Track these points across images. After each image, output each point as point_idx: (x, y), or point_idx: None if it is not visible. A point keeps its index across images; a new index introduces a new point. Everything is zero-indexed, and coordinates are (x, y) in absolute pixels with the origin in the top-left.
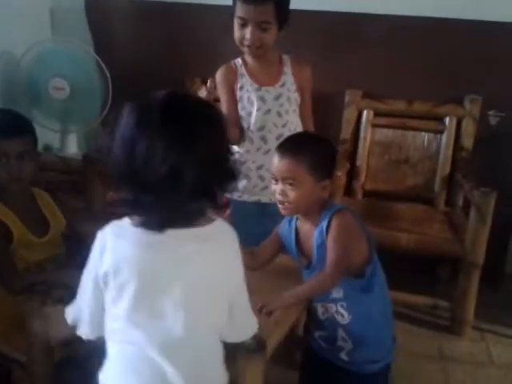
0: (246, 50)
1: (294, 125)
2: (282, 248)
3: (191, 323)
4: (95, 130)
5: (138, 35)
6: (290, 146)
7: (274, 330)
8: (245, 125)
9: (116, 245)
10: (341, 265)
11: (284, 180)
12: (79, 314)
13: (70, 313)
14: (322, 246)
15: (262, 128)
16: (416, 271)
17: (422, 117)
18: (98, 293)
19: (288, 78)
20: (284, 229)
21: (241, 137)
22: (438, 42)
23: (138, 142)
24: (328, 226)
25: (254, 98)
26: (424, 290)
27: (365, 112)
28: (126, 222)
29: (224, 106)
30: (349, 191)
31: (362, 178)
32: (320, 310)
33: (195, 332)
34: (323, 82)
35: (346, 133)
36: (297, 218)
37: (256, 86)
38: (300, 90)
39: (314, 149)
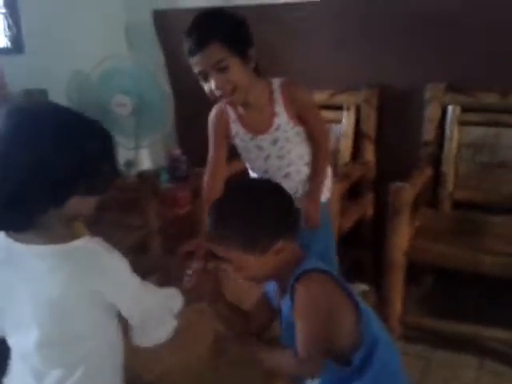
0: (224, 102)
1: (301, 157)
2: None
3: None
4: (167, 143)
5: None
6: (216, 226)
7: None
8: (248, 167)
9: None
10: (313, 347)
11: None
12: None
13: None
14: (289, 324)
15: (265, 172)
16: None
17: None
18: None
19: (282, 118)
20: (268, 289)
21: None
22: None
23: None
24: (293, 296)
25: (249, 146)
26: None
27: (450, 108)
28: None
29: (210, 153)
30: (434, 202)
31: (450, 186)
32: None
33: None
34: (398, 77)
35: (428, 134)
36: None
37: (250, 135)
38: (300, 118)
39: (243, 218)
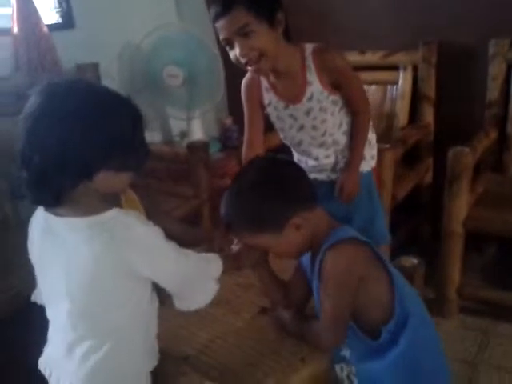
0: (251, 70)
1: (337, 126)
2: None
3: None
4: (220, 112)
5: None
6: (225, 220)
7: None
8: (281, 137)
9: (31, 226)
10: (337, 322)
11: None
12: None
13: None
14: (318, 292)
15: (299, 143)
16: None
17: None
18: None
19: (315, 87)
20: (303, 260)
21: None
22: None
23: None
24: (321, 267)
25: (283, 115)
26: None
27: None
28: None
29: (246, 124)
30: (498, 166)
31: None
32: (338, 371)
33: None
34: (460, 31)
35: (492, 93)
36: None
37: (283, 103)
38: (336, 86)
39: (245, 203)
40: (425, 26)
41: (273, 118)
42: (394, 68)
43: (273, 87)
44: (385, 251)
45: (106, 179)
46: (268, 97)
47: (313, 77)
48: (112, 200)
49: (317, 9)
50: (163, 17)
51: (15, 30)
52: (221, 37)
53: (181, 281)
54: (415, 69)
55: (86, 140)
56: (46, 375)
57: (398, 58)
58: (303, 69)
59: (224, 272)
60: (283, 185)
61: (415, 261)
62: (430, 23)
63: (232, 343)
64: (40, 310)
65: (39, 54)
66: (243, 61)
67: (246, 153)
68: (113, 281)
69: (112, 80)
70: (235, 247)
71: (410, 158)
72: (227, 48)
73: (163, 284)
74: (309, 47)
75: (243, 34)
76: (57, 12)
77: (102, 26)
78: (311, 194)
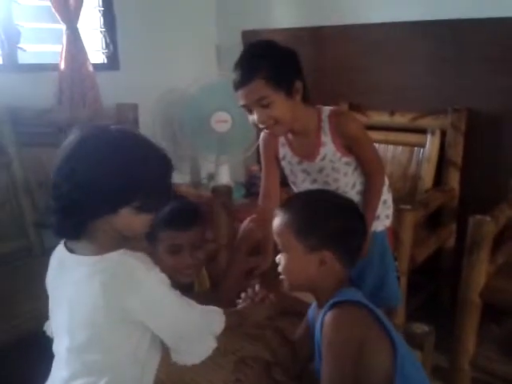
0: (269, 132)
1: (350, 186)
2: None
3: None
4: (247, 159)
5: None
6: (287, 203)
7: None
8: (294, 191)
9: (52, 257)
10: None
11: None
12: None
13: None
14: (321, 349)
15: None
16: None
17: None
18: None
19: (328, 149)
20: (310, 313)
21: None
22: None
23: None
24: (323, 321)
25: (296, 170)
26: None
27: None
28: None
29: (262, 175)
30: None
31: None
32: None
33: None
34: (490, 100)
35: None
36: None
37: (297, 159)
38: (349, 149)
39: (309, 210)
40: (455, 93)
41: (287, 172)
42: (422, 131)
43: (289, 143)
44: (398, 313)
45: (127, 218)
46: (283, 151)
47: (327, 138)
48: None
49: (351, 70)
50: (203, 65)
51: (62, 66)
52: (240, 103)
53: (178, 334)
54: (443, 133)
55: (109, 182)
56: None
57: (427, 121)
58: (319, 130)
59: (228, 328)
60: (345, 222)
61: (426, 328)
62: (460, 90)
63: None
64: (44, 342)
65: (82, 91)
66: (260, 126)
67: (262, 202)
68: (107, 321)
69: (150, 121)
70: (242, 304)
71: (433, 222)
72: (247, 113)
73: (159, 334)
74: (326, 110)
75: (261, 105)
76: (103, 53)
77: (144, 70)
78: (354, 248)
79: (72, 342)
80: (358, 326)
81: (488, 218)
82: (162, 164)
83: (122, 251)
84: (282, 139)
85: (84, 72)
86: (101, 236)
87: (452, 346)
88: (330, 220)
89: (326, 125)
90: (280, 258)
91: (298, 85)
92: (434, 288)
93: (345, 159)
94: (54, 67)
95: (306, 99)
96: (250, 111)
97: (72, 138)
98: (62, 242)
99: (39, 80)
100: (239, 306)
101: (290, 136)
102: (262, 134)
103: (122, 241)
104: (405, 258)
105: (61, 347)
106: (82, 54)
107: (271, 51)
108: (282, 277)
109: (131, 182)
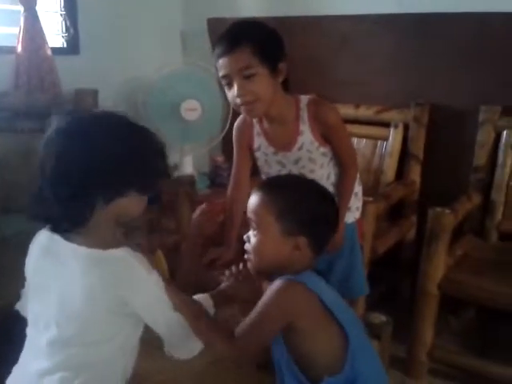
0: (243, 112)
1: (325, 178)
2: None
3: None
4: (212, 150)
5: None
6: (269, 183)
7: None
8: None
9: (33, 243)
10: (252, 333)
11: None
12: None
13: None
14: None
15: None
16: None
17: None
18: None
19: (306, 137)
20: None
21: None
22: None
23: None
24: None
25: (271, 161)
26: None
27: (504, 133)
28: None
29: (234, 164)
30: (480, 232)
31: (498, 215)
32: None
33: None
34: (452, 96)
35: (479, 158)
36: None
37: (272, 149)
38: (327, 139)
39: (293, 194)
40: (419, 88)
41: (260, 163)
42: (386, 125)
43: (264, 132)
44: (358, 304)
45: (124, 202)
46: (258, 141)
47: (305, 127)
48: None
49: (318, 61)
50: (167, 52)
51: (19, 49)
52: (221, 73)
53: (173, 331)
54: (406, 127)
55: (108, 170)
56: None
57: (391, 115)
58: (297, 119)
59: (216, 307)
60: (326, 213)
61: (384, 318)
62: (424, 85)
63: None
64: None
65: (39, 75)
66: (238, 101)
67: (232, 193)
68: (103, 315)
69: (110, 108)
70: (225, 283)
71: (394, 215)
72: (225, 87)
73: (154, 328)
74: (304, 98)
75: (245, 75)
76: (63, 37)
77: (106, 55)
78: (326, 244)
79: (59, 334)
80: (293, 304)
81: (447, 211)
82: (159, 144)
83: (124, 249)
84: (257, 129)
85: (42, 55)
86: (98, 230)
87: (410, 336)
88: (311, 207)
89: (304, 113)
90: (249, 237)
91: (283, 66)
92: (395, 279)
93: (322, 149)
94: (11, 50)
95: (286, 88)
96: (230, 85)
97: (57, 128)
98: (46, 230)
99: None
100: (223, 284)
101: (265, 125)
102: (237, 122)
103: (117, 232)
104: (366, 250)
105: (42, 338)
106: (40, 37)
107: (259, 27)
108: (248, 256)
109: (129, 170)
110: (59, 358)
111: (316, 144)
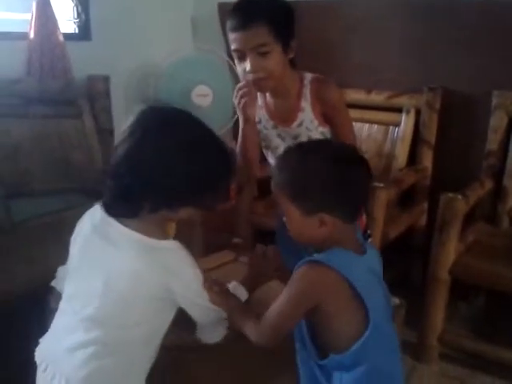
0: (251, 83)
1: None
2: None
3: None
4: (224, 134)
5: None
6: (279, 164)
7: None
8: (268, 157)
9: (83, 220)
10: (277, 326)
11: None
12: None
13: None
14: None
15: None
16: None
17: None
18: None
19: (306, 115)
20: None
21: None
22: None
23: None
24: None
25: (271, 134)
26: None
27: None
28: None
29: (239, 135)
30: (492, 218)
31: (510, 201)
32: None
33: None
34: (465, 81)
35: (491, 144)
36: None
37: (272, 122)
38: (327, 119)
39: (305, 173)
40: (431, 73)
41: (261, 136)
42: (398, 110)
43: (266, 105)
44: None
45: (189, 212)
46: (259, 114)
47: (307, 104)
48: None
49: (329, 46)
50: (178, 37)
51: (31, 35)
52: (233, 47)
53: (207, 319)
54: (418, 113)
55: (182, 173)
56: (41, 368)
57: (403, 100)
58: (299, 95)
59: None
60: (343, 182)
61: (397, 301)
62: (436, 70)
63: None
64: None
65: (51, 62)
66: (249, 77)
67: (241, 151)
68: (145, 299)
69: (122, 94)
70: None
71: (406, 200)
72: (236, 60)
73: (191, 315)
74: (308, 76)
75: (258, 52)
76: (75, 22)
77: (117, 41)
78: (356, 210)
79: (99, 311)
80: (321, 288)
81: (459, 196)
82: (229, 157)
83: (175, 243)
84: (260, 101)
85: (54, 41)
86: (153, 222)
87: (421, 321)
88: (322, 182)
89: (307, 90)
90: (285, 219)
91: (294, 43)
92: (406, 265)
93: (321, 129)
94: (23, 36)
95: (293, 64)
96: (241, 59)
97: (137, 122)
98: (98, 207)
99: (7, 49)
100: (248, 271)
101: (268, 98)
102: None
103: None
104: (377, 235)
105: (81, 313)
106: (52, 23)
107: (275, 2)
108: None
109: (200, 178)
110: (95, 333)
111: (316, 122)
